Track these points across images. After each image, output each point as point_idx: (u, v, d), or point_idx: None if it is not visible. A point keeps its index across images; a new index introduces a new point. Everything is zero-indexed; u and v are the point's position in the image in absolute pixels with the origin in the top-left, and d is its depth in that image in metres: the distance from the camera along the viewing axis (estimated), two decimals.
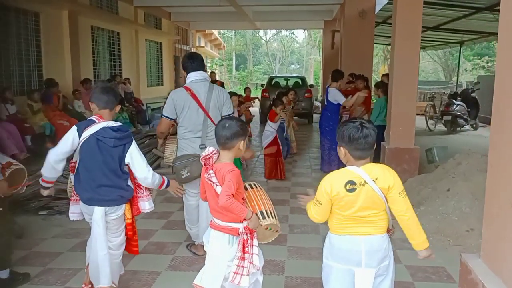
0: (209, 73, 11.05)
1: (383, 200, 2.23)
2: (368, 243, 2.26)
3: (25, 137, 7.67)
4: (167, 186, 3.31)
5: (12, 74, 8.82)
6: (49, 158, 3.00)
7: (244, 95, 10.88)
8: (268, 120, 6.95)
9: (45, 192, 3.21)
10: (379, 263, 2.29)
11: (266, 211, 2.63)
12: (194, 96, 3.85)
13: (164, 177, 3.27)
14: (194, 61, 3.97)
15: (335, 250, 2.32)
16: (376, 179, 2.21)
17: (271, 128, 6.90)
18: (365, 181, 2.20)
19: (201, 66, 4.00)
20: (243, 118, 8.01)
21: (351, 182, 2.21)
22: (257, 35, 45.77)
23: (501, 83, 2.17)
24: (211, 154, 2.54)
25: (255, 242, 2.61)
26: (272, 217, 2.63)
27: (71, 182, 3.23)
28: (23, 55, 9.13)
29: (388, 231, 2.40)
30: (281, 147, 7.04)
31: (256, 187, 2.76)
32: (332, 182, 2.25)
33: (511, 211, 2.03)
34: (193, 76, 3.95)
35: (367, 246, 2.26)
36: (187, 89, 3.89)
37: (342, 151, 2.29)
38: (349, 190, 2.20)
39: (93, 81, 11.11)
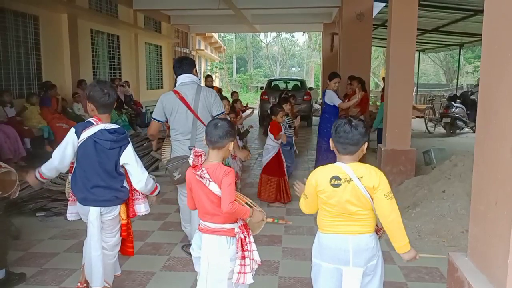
0: (204, 78, 10.72)
1: (368, 198, 2.26)
2: (355, 242, 2.29)
3: (24, 140, 7.71)
4: (158, 193, 3.35)
5: (11, 77, 8.86)
6: (53, 162, 3.04)
7: (232, 99, 8.83)
8: (269, 133, 5.92)
9: (34, 183, 3.22)
10: (367, 262, 2.32)
11: (248, 203, 2.71)
12: (182, 99, 3.91)
13: (158, 185, 3.31)
14: (182, 65, 4.06)
15: (323, 248, 2.36)
16: (361, 177, 2.25)
17: (272, 141, 5.88)
18: (350, 178, 2.25)
19: (189, 69, 4.06)
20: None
21: (336, 178, 2.27)
22: (258, 38, 45.84)
23: (485, 83, 2.20)
24: (201, 153, 2.56)
25: (252, 238, 2.65)
26: (257, 207, 2.73)
27: (69, 182, 3.26)
28: (23, 58, 9.18)
29: (378, 230, 2.43)
30: (284, 163, 6.02)
31: None
32: (318, 176, 2.33)
33: (496, 209, 2.05)
34: (182, 79, 4.03)
35: (354, 245, 2.29)
36: (176, 92, 3.96)
37: (330, 143, 2.40)
38: (334, 185, 2.26)
39: None
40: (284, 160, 6.00)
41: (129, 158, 3.07)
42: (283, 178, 5.90)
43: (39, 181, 3.18)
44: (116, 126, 3.10)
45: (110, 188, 3.06)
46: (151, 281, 3.70)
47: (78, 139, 3.00)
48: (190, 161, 2.55)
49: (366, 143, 2.36)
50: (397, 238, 2.31)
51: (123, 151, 3.05)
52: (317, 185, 2.31)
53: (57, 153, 3.03)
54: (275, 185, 5.83)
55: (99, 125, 3.02)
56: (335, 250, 2.31)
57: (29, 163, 7.47)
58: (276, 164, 5.88)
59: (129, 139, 3.15)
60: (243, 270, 2.53)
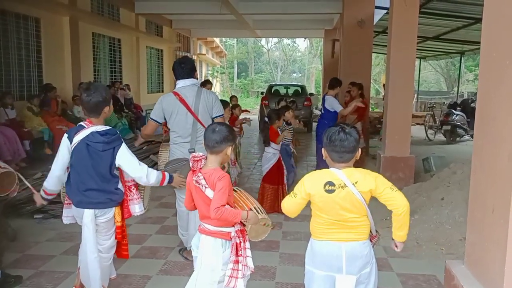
0: (201, 84, 10.45)
1: (363, 204, 2.25)
2: (348, 249, 2.28)
3: (24, 142, 7.71)
4: (170, 181, 3.29)
5: (12, 79, 8.88)
6: (53, 172, 3.04)
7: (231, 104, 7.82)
8: (270, 142, 5.68)
9: (41, 202, 3.22)
10: (360, 270, 2.30)
11: (255, 208, 2.67)
12: (182, 101, 3.89)
13: (166, 173, 3.27)
14: (183, 67, 4.02)
15: (316, 255, 2.34)
16: (356, 182, 2.23)
17: (272, 149, 5.66)
18: (345, 184, 2.23)
19: (189, 71, 4.03)
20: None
21: (330, 183, 2.24)
22: (259, 44, 45.95)
23: (484, 89, 2.21)
24: (200, 157, 2.55)
25: (248, 244, 2.65)
26: (263, 213, 2.69)
27: (63, 186, 3.25)
28: (24, 60, 9.20)
29: (372, 237, 2.41)
30: (285, 171, 5.82)
31: (240, 191, 2.81)
32: (312, 180, 2.30)
33: (493, 216, 2.04)
34: (182, 81, 4.01)
35: (347, 252, 2.27)
36: (176, 94, 3.94)
37: (323, 152, 2.36)
38: (327, 191, 2.24)
39: None
40: (284, 167, 5.82)
41: (124, 157, 3.04)
42: (282, 186, 5.73)
43: (45, 199, 3.19)
44: (108, 127, 3.06)
45: (104, 190, 3.04)
46: (148, 285, 3.68)
47: (71, 143, 2.99)
48: (191, 164, 2.56)
49: (360, 150, 2.35)
50: (403, 227, 2.31)
51: (117, 152, 3.03)
52: (310, 189, 2.28)
53: (56, 165, 3.04)
54: (274, 193, 5.67)
55: (90, 127, 3.00)
56: (328, 257, 2.29)
57: (28, 164, 7.48)
58: (277, 172, 5.71)
59: (122, 139, 3.12)
60: (234, 274, 2.54)
